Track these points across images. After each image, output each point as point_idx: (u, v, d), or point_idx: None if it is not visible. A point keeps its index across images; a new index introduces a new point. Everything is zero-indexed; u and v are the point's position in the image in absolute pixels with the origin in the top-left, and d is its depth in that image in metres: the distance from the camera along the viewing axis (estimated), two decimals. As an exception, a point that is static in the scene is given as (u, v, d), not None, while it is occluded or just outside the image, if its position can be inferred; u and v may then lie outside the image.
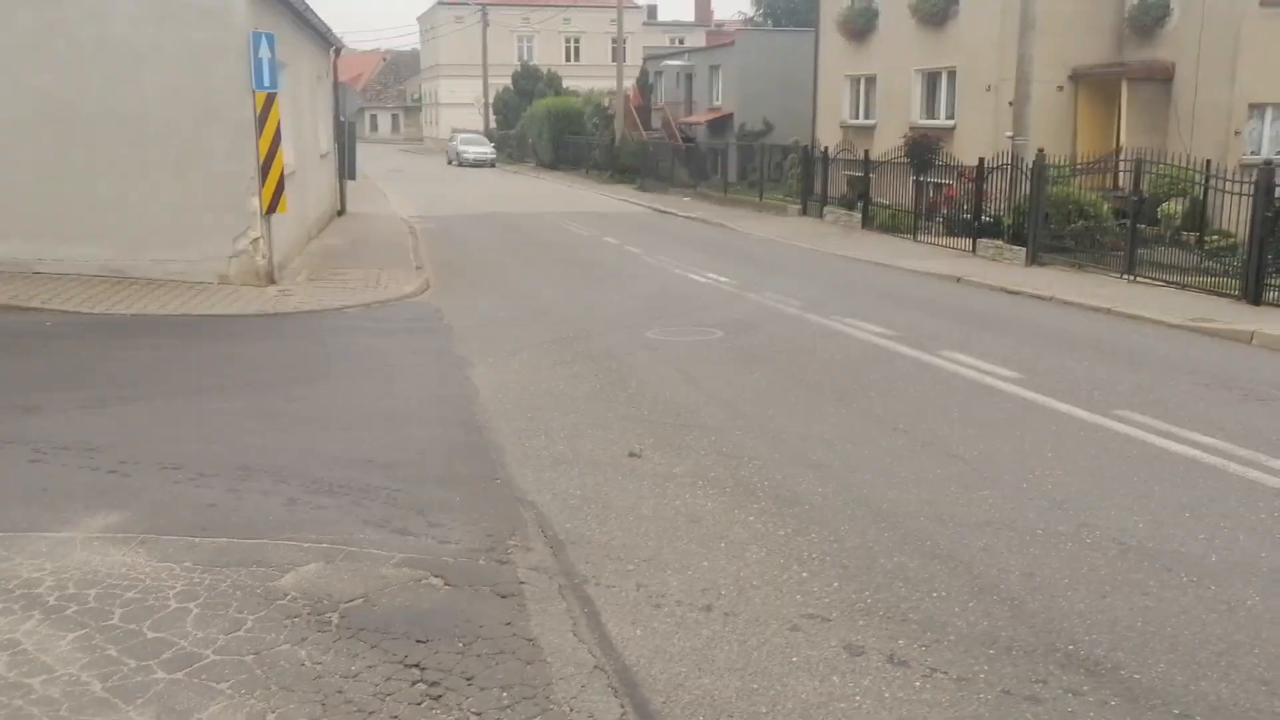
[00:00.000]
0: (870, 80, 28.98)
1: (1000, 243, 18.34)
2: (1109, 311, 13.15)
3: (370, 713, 3.84)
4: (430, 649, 4.30)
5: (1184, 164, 16.33)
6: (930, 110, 26.52)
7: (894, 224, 22.52)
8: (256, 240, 13.60)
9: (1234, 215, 14.63)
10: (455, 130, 60.24)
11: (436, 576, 5.00)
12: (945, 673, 4.16)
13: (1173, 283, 14.96)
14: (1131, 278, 15.50)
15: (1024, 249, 17.66)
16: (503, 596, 4.81)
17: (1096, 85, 23.86)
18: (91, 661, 4.15)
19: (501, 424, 7.75)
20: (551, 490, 6.31)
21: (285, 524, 5.62)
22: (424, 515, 5.79)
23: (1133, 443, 7.35)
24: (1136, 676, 4.14)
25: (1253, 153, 21.53)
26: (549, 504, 6.07)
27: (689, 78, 43.11)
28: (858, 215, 23.82)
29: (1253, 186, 13.62)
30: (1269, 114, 22.16)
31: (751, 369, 9.72)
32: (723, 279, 15.63)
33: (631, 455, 6.99)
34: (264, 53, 13.20)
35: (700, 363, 9.94)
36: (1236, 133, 21.71)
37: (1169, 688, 4.07)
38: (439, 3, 71.43)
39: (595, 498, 6.19)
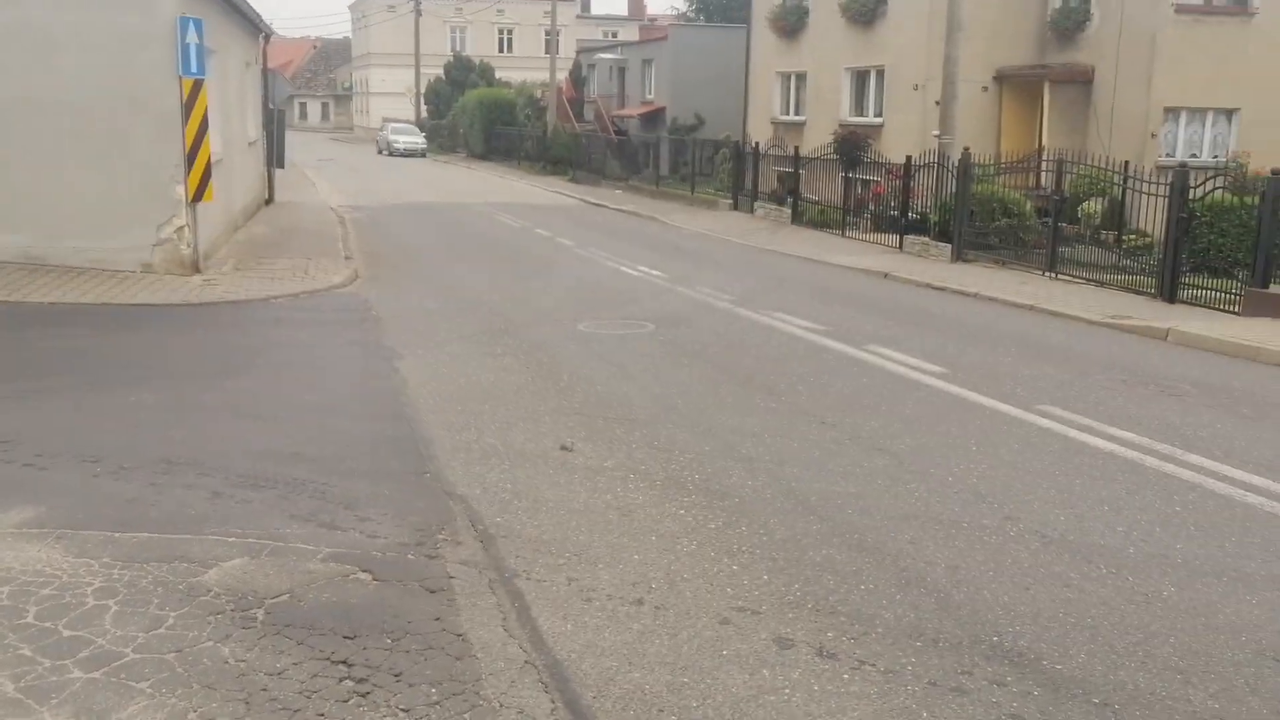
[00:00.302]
0: (801, 77, 29.21)
1: (927, 239, 18.62)
2: (1032, 308, 13.43)
3: (296, 710, 3.78)
4: (358, 645, 4.24)
5: (1103, 165, 16.74)
6: (859, 108, 26.82)
7: (823, 220, 22.74)
8: (181, 229, 13.29)
9: (1150, 215, 15.02)
10: (386, 119, 59.61)
11: (364, 571, 4.93)
12: (873, 665, 4.22)
13: (1092, 280, 15.32)
14: (1053, 275, 15.84)
15: (950, 245, 17.96)
16: (431, 591, 4.77)
17: (1020, 86, 24.33)
18: (3, 661, 4.02)
19: (431, 417, 7.68)
20: (481, 484, 6.26)
21: (209, 518, 5.51)
22: (352, 509, 5.71)
23: (1054, 437, 7.51)
24: (1058, 667, 4.24)
25: (1168, 155, 22.13)
26: (479, 498, 6.03)
27: (622, 71, 43.09)
28: (788, 211, 24.01)
29: (1168, 188, 13.99)
30: (1183, 118, 22.79)
31: (682, 362, 9.75)
32: (654, 272, 15.65)
33: (563, 448, 6.97)
34: (191, 38, 12.90)
35: (632, 356, 9.95)
36: (1153, 135, 22.29)
37: (1089, 677, 4.17)
38: (370, -10, 70.52)
39: (526, 491, 6.16)
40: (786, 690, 4.01)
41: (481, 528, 5.57)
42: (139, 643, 4.20)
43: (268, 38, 24.74)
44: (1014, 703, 3.96)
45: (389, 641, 4.27)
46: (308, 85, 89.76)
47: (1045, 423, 7.86)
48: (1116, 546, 5.51)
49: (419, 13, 60.53)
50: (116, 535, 5.22)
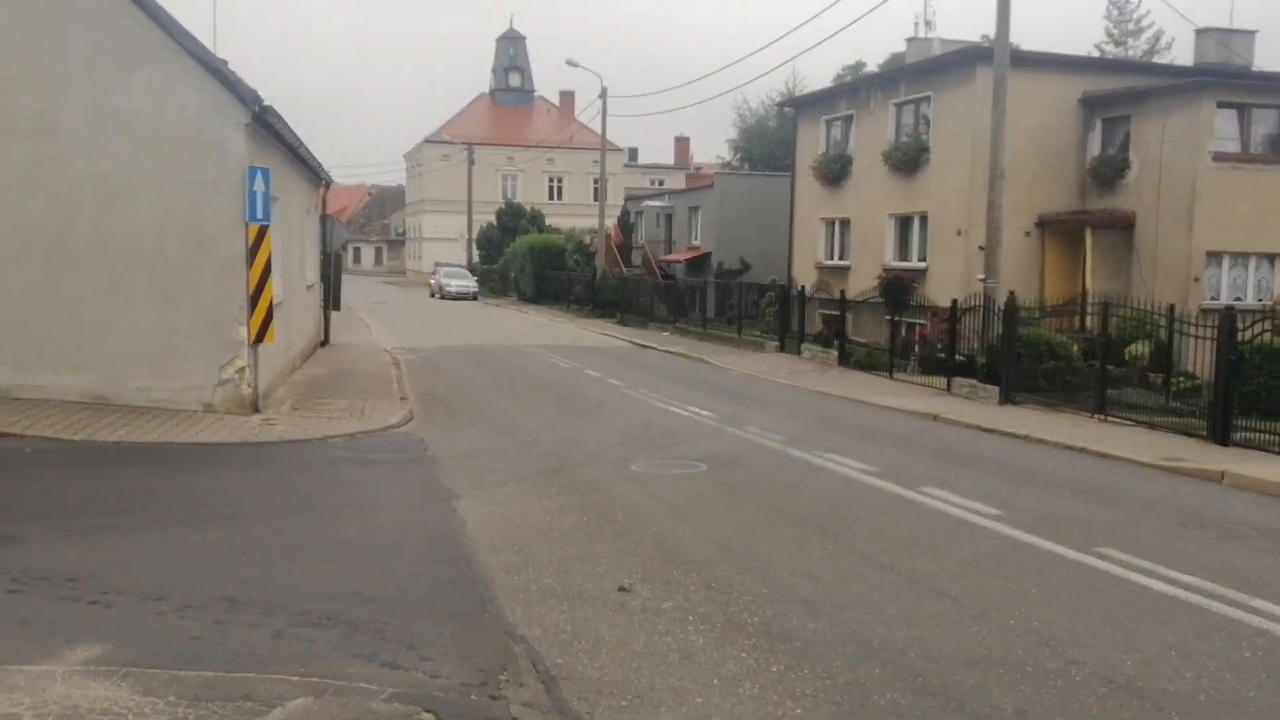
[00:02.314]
0: (845, 223, 29.82)
1: (974, 381, 18.66)
2: (1083, 450, 13.35)
3: None
4: (422, 787, 4.24)
5: (1148, 308, 16.83)
6: (903, 252, 27.24)
7: (870, 362, 22.89)
8: (243, 369, 13.68)
9: (1197, 357, 15.03)
10: (438, 264, 61.13)
11: (428, 712, 4.94)
12: (943, 812, 4.15)
13: (1142, 422, 15.23)
14: (1102, 417, 15.78)
15: (997, 388, 17.97)
16: (495, 732, 4.77)
17: (1062, 231, 24.66)
18: (77, 799, 4.06)
19: (489, 557, 7.75)
20: (541, 625, 6.29)
21: (272, 658, 5.56)
22: (414, 649, 5.75)
23: (1115, 580, 7.42)
24: (1133, 817, 4.14)
25: (1212, 298, 22.21)
26: (539, 639, 6.05)
27: (669, 217, 44.18)
28: (834, 353, 24.21)
29: (1215, 331, 14.02)
30: (1225, 262, 22.96)
31: (737, 503, 9.78)
32: (704, 413, 15.78)
33: (621, 590, 6.99)
34: (259, 186, 13.53)
35: (686, 497, 10.00)
36: (1196, 279, 22.42)
37: (1166, 829, 4.07)
38: (426, 140, 73.32)
39: (585, 633, 6.17)
40: (856, 838, 3.95)
41: (543, 669, 5.59)
42: (206, 781, 4.22)
43: (327, 185, 25.79)
44: None
45: (453, 783, 4.27)
46: (362, 230, 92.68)
47: (1105, 565, 7.77)
48: (1187, 693, 5.40)
49: (472, 161, 62.72)
50: (181, 674, 5.27)
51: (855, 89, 30.60)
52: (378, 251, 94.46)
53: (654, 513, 9.34)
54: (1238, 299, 22.48)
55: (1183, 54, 50.72)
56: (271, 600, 6.52)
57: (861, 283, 26.50)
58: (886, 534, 8.69)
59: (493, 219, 61.18)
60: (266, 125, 14.36)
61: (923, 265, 25.99)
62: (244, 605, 6.40)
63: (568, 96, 77.68)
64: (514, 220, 58.97)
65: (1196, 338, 14.73)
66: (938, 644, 6.06)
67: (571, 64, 43.08)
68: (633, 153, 78.21)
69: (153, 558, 7.53)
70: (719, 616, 6.51)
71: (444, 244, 69.18)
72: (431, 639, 5.94)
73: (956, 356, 19.64)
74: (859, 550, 8.17)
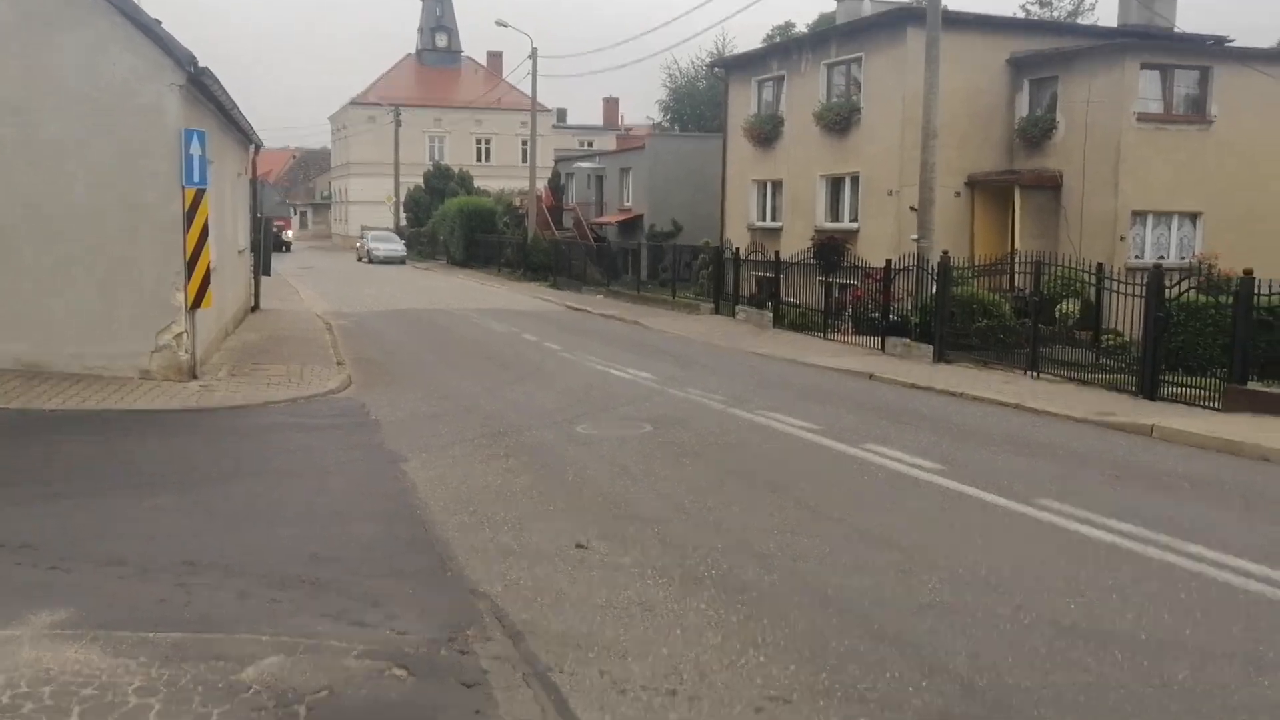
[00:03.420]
0: (777, 184, 30.02)
1: (908, 341, 19.02)
2: (1017, 406, 13.73)
3: (349, 804, 3.85)
4: (403, 739, 4.32)
5: (1077, 266, 17.29)
6: (835, 214, 27.54)
7: (804, 322, 23.19)
8: (180, 335, 13.46)
9: (1124, 315, 15.49)
10: (366, 228, 60.30)
11: (400, 667, 5.00)
12: (908, 749, 4.34)
13: (1073, 379, 15.69)
14: (1035, 374, 16.21)
15: (931, 346, 18.35)
16: (468, 686, 4.85)
17: (991, 191, 25.14)
18: (54, 761, 4.07)
19: (443, 517, 7.80)
20: (503, 581, 6.37)
21: (240, 618, 5.58)
22: (380, 608, 5.80)
23: (1056, 530, 7.71)
24: (1086, 748, 4.37)
25: (1136, 256, 22.86)
26: (502, 595, 6.13)
27: (600, 179, 44.05)
28: (769, 314, 24.46)
29: (1144, 289, 14.46)
30: (1150, 221, 23.61)
31: (684, 462, 9.92)
32: (644, 375, 15.90)
33: (578, 547, 7.10)
34: (195, 149, 13.27)
35: (633, 456, 10.12)
36: (1121, 238, 23.03)
37: (1117, 757, 4.30)
38: (351, 103, 71.93)
39: (547, 588, 6.27)
40: (828, 775, 4.12)
41: (509, 624, 5.68)
42: (185, 740, 4.26)
43: (258, 148, 25.28)
44: (1049, 783, 4.09)
45: (432, 735, 4.35)
46: (286, 194, 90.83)
47: (1045, 516, 8.06)
48: (1128, 633, 5.67)
49: (399, 123, 61.77)
50: (150, 635, 5.27)
51: (787, 50, 30.72)
52: (303, 216, 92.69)
53: (604, 472, 9.44)
54: (1161, 257, 23.14)
55: (1106, 15, 51.66)
56: (231, 563, 6.52)
57: (794, 244, 26.75)
58: (833, 489, 8.91)
59: (420, 182, 60.46)
60: (201, 87, 14.06)
61: (854, 226, 26.30)
62: (204, 568, 6.39)
63: (495, 57, 76.71)
64: (442, 183, 58.33)
65: (1124, 295, 15.16)
66: (890, 593, 6.27)
67: (501, 24, 42.67)
68: (561, 114, 77.56)
69: (106, 524, 7.45)
70: (676, 570, 6.64)
71: (371, 207, 68.16)
72: (396, 597, 5.99)
73: (890, 316, 19.98)
74: (808, 505, 8.37)
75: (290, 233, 65.29)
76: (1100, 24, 37.68)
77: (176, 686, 4.73)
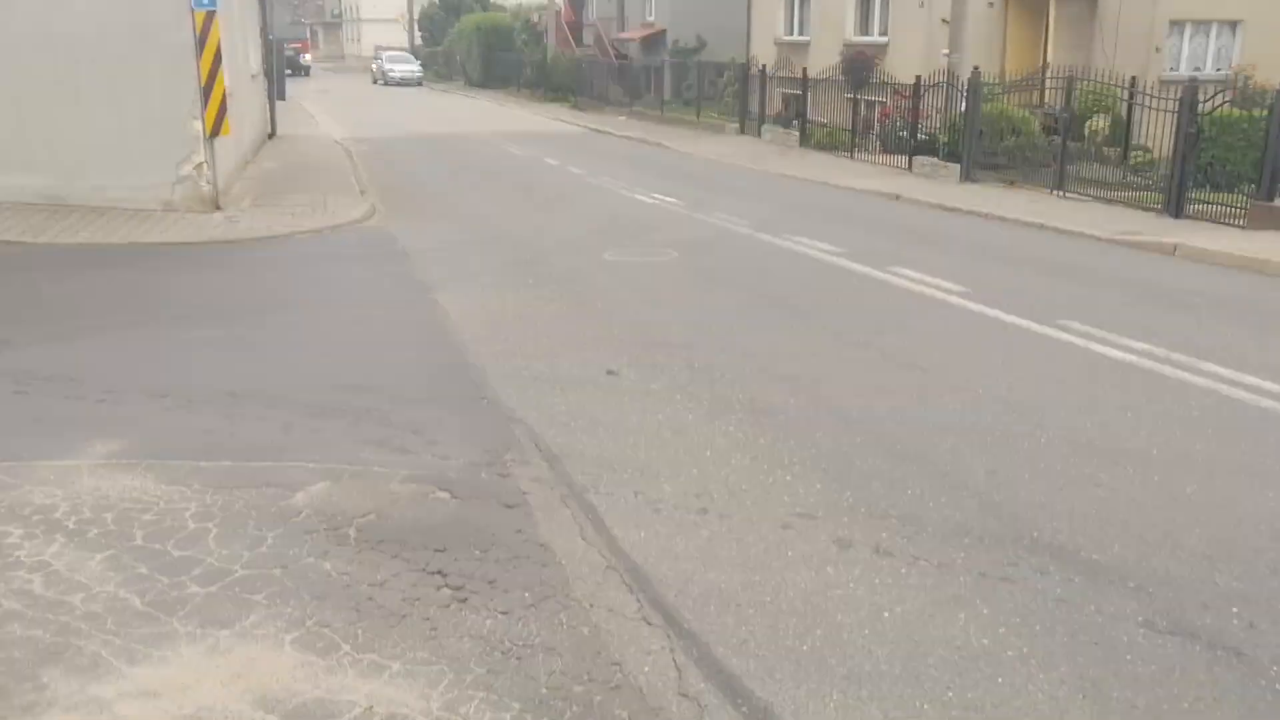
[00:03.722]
0: (804, -5, 29.00)
1: (936, 160, 18.77)
2: (1042, 227, 13.67)
3: (403, 616, 4.12)
4: (449, 557, 4.59)
5: (1110, 81, 16.83)
6: (864, 27, 26.68)
7: (831, 142, 22.84)
8: (200, 165, 13.47)
9: (1153, 131, 15.18)
10: (379, 48, 58.99)
11: (443, 490, 5.26)
12: (927, 560, 4.58)
13: (1099, 198, 15.53)
14: (1062, 193, 16.05)
15: (958, 166, 18.11)
16: (509, 507, 5.11)
17: (1024, 2, 24.20)
18: (125, 580, 4.34)
19: (477, 346, 7.98)
20: (537, 407, 6.58)
21: (286, 447, 5.83)
22: (420, 434, 6.04)
23: (1075, 350, 7.85)
24: (1095, 557, 4.61)
25: (1171, 69, 22.10)
26: (537, 420, 6.35)
27: (620, -7, 42.60)
28: (795, 134, 24.08)
29: (1177, 104, 14.13)
30: (1187, 30, 22.73)
31: (711, 288, 10.03)
32: (669, 199, 15.84)
33: (609, 373, 7.29)
34: (202, -30, 12.95)
35: (660, 283, 10.23)
36: (1157, 49, 22.23)
37: (1124, 565, 4.54)
38: (357, -87, 69.26)
39: (581, 413, 6.48)
40: (850, 584, 4.38)
41: (545, 448, 5.91)
42: (245, 560, 4.54)
43: (266, -32, 24.59)
44: (1058, 589, 4.34)
45: (478, 553, 4.62)
46: (296, 13, 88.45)
47: (1065, 336, 8.18)
48: (1141, 449, 5.86)
49: (409, -63, 59.61)
50: (202, 464, 5.54)
51: None
52: (313, 35, 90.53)
53: (631, 299, 9.57)
54: (1197, 69, 22.36)
55: None
56: (273, 393, 6.75)
57: (822, 60, 26.03)
58: (858, 312, 9.03)
59: (435, -1, 58.79)
60: (205, -97, 13.57)
61: (884, 40, 25.51)
62: (246, 399, 6.63)
63: None
64: (457, -1, 56.72)
65: (1157, 110, 14.83)
66: (913, 413, 6.46)
67: None
68: (578, -77, 74.36)
69: (147, 356, 7.67)
70: (705, 394, 6.84)
71: (383, 26, 66.48)
72: (434, 424, 6.23)
73: (919, 135, 19.65)
74: (832, 328, 8.51)
75: (308, 56, 62.77)
76: None
77: (231, 511, 5.00)
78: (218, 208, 13.89)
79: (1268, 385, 6.98)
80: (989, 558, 4.60)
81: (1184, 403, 6.67)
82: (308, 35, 69.75)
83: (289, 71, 50.72)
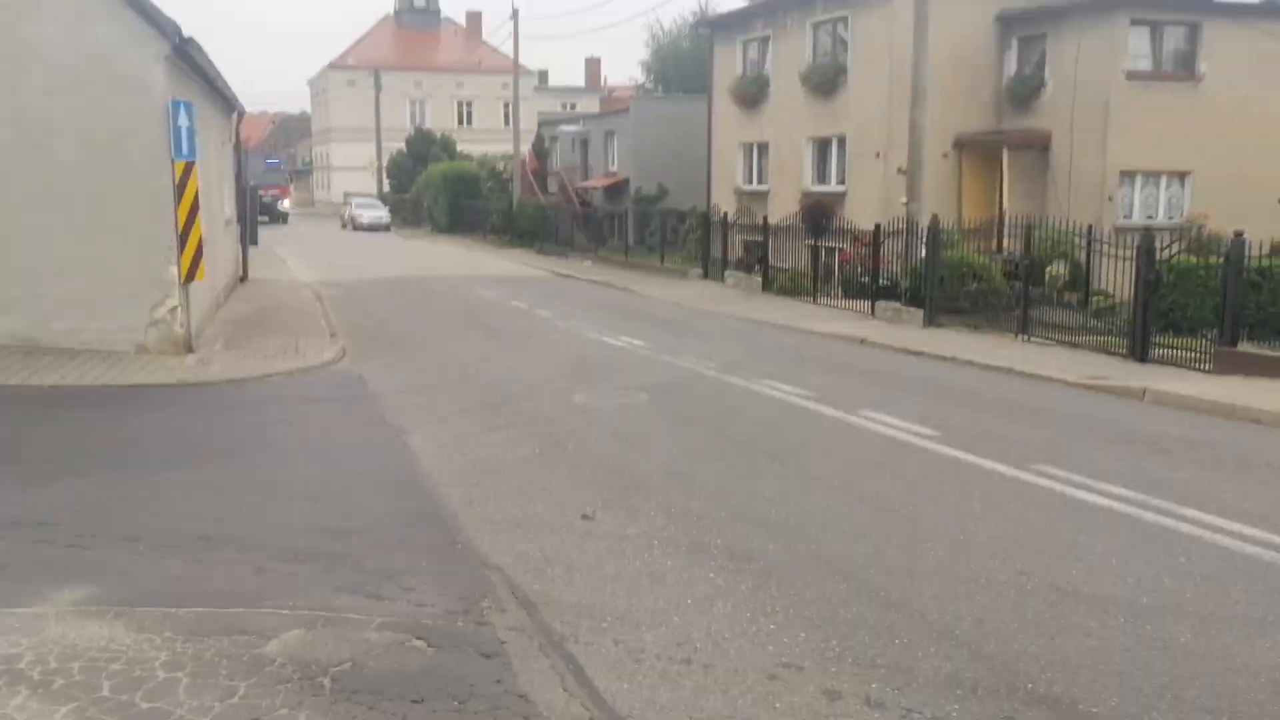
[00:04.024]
0: (763, 147, 29.96)
1: (898, 305, 19.13)
2: (1009, 371, 13.86)
3: (380, 774, 3.95)
4: (427, 709, 4.43)
5: (1066, 228, 17.38)
6: (822, 176, 27.53)
7: (793, 287, 23.25)
8: (175, 309, 13.47)
9: (1112, 277, 15.61)
10: (349, 194, 59.91)
11: (419, 639, 5.11)
12: (920, 712, 4.47)
13: (1064, 342, 15.81)
14: (1026, 338, 16.35)
15: (921, 311, 18.45)
16: (487, 656, 4.96)
17: (979, 152, 25.15)
18: (90, 735, 4.16)
19: (450, 489, 7.89)
20: (512, 553, 6.47)
21: (259, 592, 5.67)
22: (394, 580, 5.90)
23: (1054, 495, 7.86)
24: (1094, 710, 4.51)
25: (1125, 217, 22.95)
26: (513, 566, 6.24)
27: (584, 143, 43.84)
28: (758, 279, 24.52)
29: (1135, 251, 14.56)
30: (1138, 180, 23.69)
31: (683, 431, 10.03)
32: (637, 342, 15.98)
33: (584, 517, 7.20)
34: (183, 121, 13.22)
35: (632, 425, 10.22)
36: (1110, 198, 23.11)
37: (1124, 719, 4.44)
38: (330, 66, 71.25)
39: (557, 559, 6.37)
40: (845, 739, 4.25)
41: (522, 595, 5.78)
42: (216, 712, 4.35)
43: (240, 116, 25.07)
44: (1058, 744, 4.23)
45: (456, 704, 4.46)
46: (268, 160, 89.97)
47: (1043, 481, 8.20)
48: (1129, 597, 5.82)
49: (379, 87, 61.27)
50: (173, 611, 5.36)
51: (772, 9, 30.51)
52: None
53: (603, 442, 9.54)
54: (1150, 217, 23.25)
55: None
56: (246, 537, 6.61)
57: (781, 207, 26.76)
58: (832, 456, 9.03)
59: (402, 146, 60.07)
60: (187, 57, 13.95)
61: (841, 189, 26.32)
62: (219, 543, 6.48)
63: (474, 18, 76.07)
64: (424, 148, 58.00)
65: (1115, 257, 15.26)
66: (894, 559, 6.40)
67: (483, -14, 42.14)
68: (543, 75, 76.93)
69: (119, 500, 7.52)
70: (683, 540, 6.76)
71: (353, 173, 67.69)
72: (409, 570, 6.09)
73: (880, 280, 20.07)
74: (808, 472, 8.49)
75: (288, 202, 60.57)
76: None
77: (202, 660, 4.82)
78: (190, 350, 13.84)
79: (1250, 531, 7.00)
80: (984, 711, 4.50)
81: (1169, 549, 6.66)
82: (286, 180, 65.96)
83: (266, 218, 49.35)
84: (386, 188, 61.12)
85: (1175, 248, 14.80)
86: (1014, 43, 25.07)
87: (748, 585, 5.97)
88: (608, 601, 5.73)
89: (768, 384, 12.47)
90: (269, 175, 57.45)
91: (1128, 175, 23.47)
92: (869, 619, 5.48)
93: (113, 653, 4.88)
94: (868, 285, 20.34)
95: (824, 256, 23.75)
